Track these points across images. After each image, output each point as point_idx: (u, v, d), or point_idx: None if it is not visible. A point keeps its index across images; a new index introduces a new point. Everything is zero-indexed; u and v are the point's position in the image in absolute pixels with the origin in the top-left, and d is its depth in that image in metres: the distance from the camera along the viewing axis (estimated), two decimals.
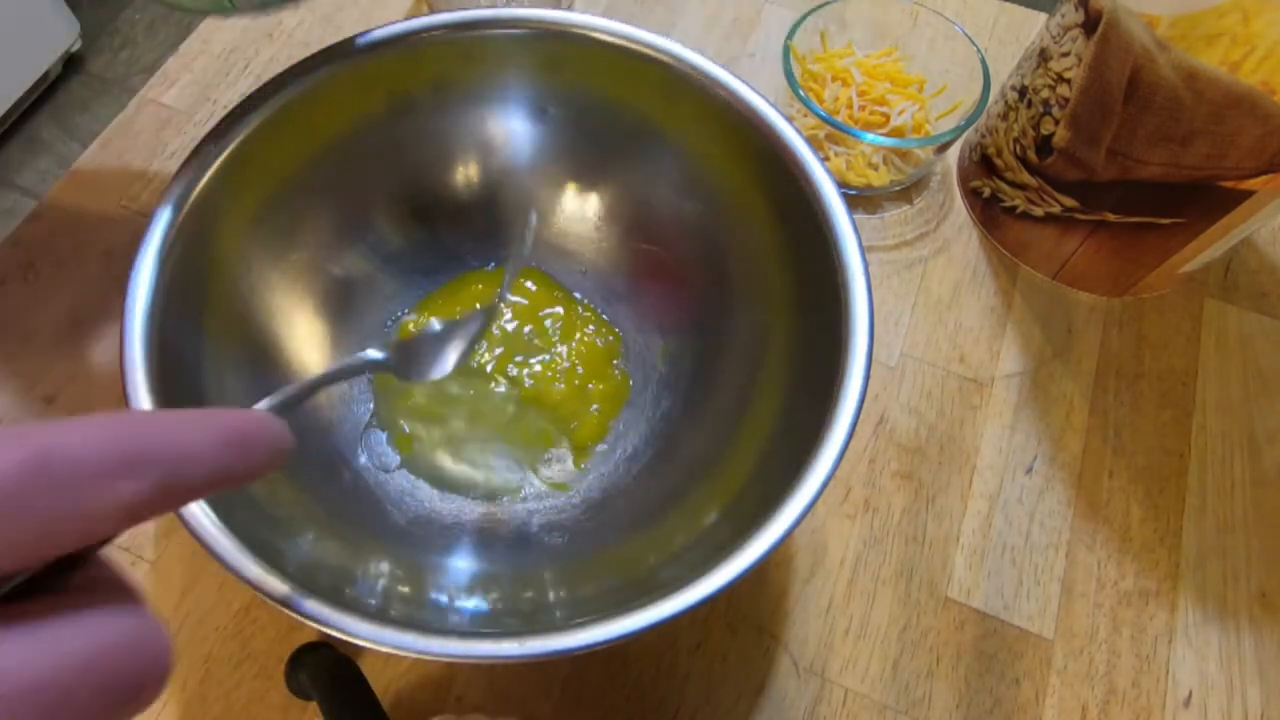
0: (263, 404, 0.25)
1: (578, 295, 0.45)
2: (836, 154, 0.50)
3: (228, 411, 0.17)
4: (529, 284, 0.45)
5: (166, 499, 0.14)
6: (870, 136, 0.46)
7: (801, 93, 0.47)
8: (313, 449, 0.39)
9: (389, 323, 0.44)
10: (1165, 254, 0.44)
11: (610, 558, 0.37)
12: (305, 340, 0.40)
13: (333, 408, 0.40)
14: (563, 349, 0.44)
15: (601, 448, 0.42)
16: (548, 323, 0.44)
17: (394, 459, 0.41)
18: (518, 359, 0.44)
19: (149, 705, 0.14)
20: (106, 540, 0.14)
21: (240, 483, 0.17)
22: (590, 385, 0.43)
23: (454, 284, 0.45)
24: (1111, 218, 0.44)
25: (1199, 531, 0.42)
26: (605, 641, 0.27)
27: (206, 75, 0.54)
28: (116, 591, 0.14)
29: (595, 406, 0.42)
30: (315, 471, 0.38)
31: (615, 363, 0.44)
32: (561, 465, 0.41)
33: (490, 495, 0.40)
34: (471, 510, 0.40)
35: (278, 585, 0.27)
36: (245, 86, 0.54)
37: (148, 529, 0.40)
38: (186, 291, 0.33)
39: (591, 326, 0.44)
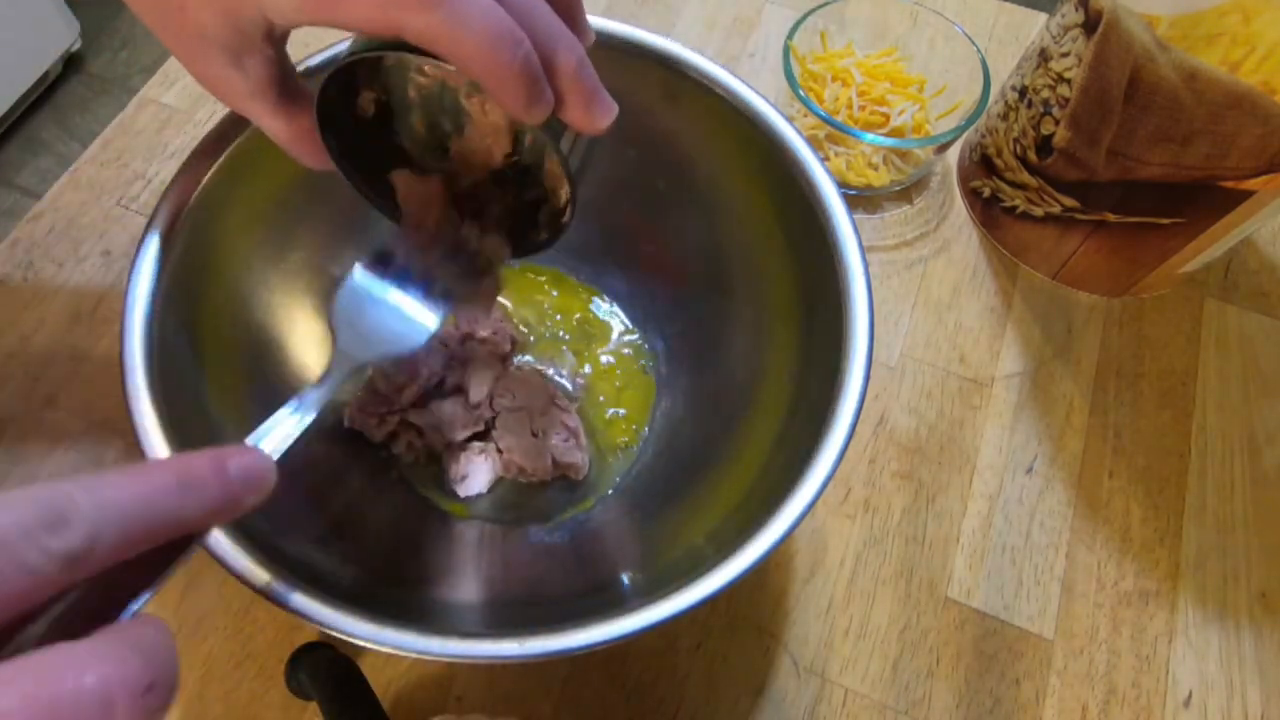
0: (252, 438, 0.25)
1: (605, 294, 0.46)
2: (836, 154, 0.50)
3: (180, 457, 0.19)
4: (549, 287, 0.46)
5: (110, 547, 0.16)
6: (870, 136, 0.46)
7: (801, 93, 0.47)
8: (320, 452, 0.39)
9: None
10: (1165, 254, 0.44)
11: (610, 557, 0.37)
12: (305, 340, 0.40)
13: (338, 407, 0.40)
14: (601, 357, 0.44)
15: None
16: (580, 335, 0.45)
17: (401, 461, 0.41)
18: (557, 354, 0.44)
19: None
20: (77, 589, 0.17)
21: (204, 519, 0.18)
22: (619, 384, 0.44)
23: None
24: (1111, 218, 0.44)
25: (1199, 531, 0.42)
26: (605, 641, 0.27)
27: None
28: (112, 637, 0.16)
29: (623, 410, 0.43)
30: (320, 473, 0.38)
31: (642, 362, 0.44)
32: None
33: (497, 501, 0.40)
34: (475, 511, 0.40)
35: (277, 585, 0.27)
36: None
37: None
38: (186, 291, 0.33)
39: (619, 326, 0.45)
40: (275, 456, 0.24)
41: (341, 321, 0.29)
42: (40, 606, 0.16)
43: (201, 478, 0.18)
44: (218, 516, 0.19)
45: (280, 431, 0.25)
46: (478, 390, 0.40)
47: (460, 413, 0.40)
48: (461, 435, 0.40)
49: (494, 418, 0.40)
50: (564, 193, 0.30)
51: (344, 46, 0.26)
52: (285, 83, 0.27)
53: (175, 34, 0.25)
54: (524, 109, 0.23)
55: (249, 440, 0.24)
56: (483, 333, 0.41)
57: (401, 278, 0.31)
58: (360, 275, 0.30)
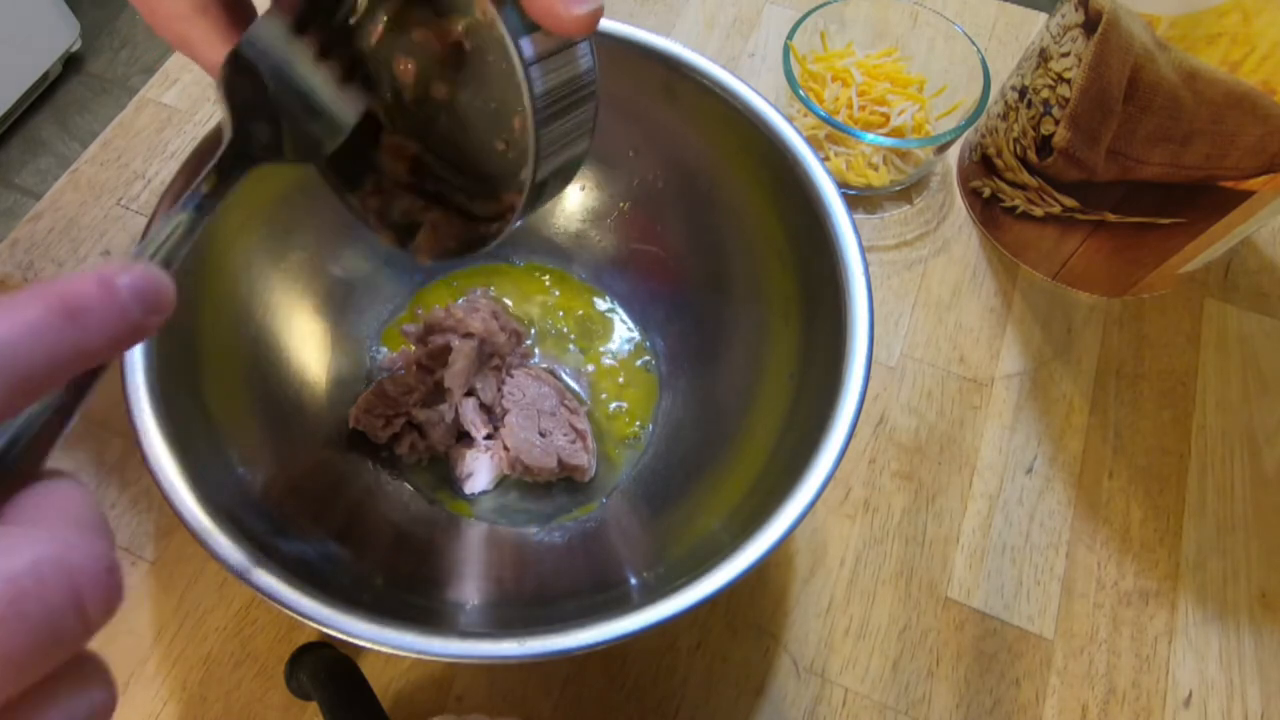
0: (138, 250, 0.21)
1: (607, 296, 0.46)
2: (836, 154, 0.50)
3: (59, 281, 0.16)
4: (551, 286, 0.46)
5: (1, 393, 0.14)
6: (870, 136, 0.46)
7: (801, 93, 0.47)
8: (322, 453, 0.39)
9: (387, 322, 0.44)
10: (1165, 254, 0.44)
11: (615, 557, 0.37)
12: (305, 339, 0.40)
13: (337, 407, 0.40)
14: (603, 358, 0.44)
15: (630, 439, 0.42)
16: (582, 332, 0.45)
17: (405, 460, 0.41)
18: (566, 352, 0.44)
19: (100, 621, 0.14)
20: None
21: (103, 350, 0.16)
22: (622, 379, 0.44)
23: (449, 278, 0.46)
24: (1111, 218, 0.44)
25: (1199, 531, 0.42)
26: (605, 641, 0.27)
27: (207, 75, 0.54)
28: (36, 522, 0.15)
29: (625, 403, 0.43)
30: (322, 474, 0.38)
31: (643, 361, 0.44)
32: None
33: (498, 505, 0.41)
34: (479, 512, 0.40)
35: (277, 585, 0.27)
36: None
37: (148, 529, 0.40)
38: (186, 291, 0.33)
39: (621, 326, 0.45)
40: (170, 269, 0.20)
41: (242, 91, 0.23)
42: None
43: (90, 303, 0.15)
44: (119, 344, 0.16)
45: (170, 241, 0.21)
46: (486, 389, 0.41)
47: (469, 412, 0.40)
48: (474, 433, 0.40)
49: (503, 415, 0.40)
50: (519, 125, 0.23)
51: None
52: (235, 6, 0.24)
53: None
54: None
55: (135, 252, 0.21)
56: (478, 326, 0.41)
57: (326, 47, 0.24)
58: (271, 27, 0.23)
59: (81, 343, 0.15)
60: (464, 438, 0.41)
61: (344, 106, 0.24)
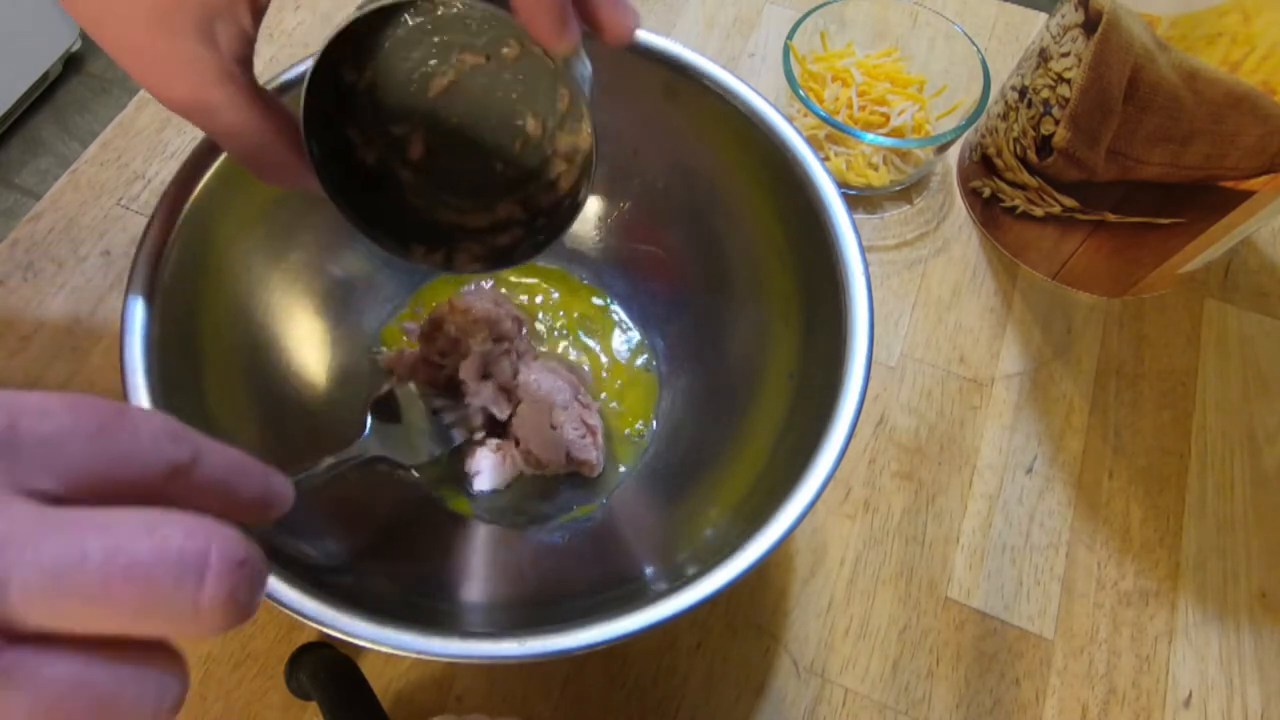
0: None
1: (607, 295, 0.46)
2: (836, 154, 0.50)
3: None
4: (551, 286, 0.46)
5: (206, 478, 0.17)
6: (870, 136, 0.46)
7: (801, 93, 0.47)
8: (321, 454, 0.39)
9: (386, 323, 0.44)
10: (1165, 254, 0.44)
11: (609, 557, 0.37)
12: (305, 339, 0.40)
13: (342, 406, 0.40)
14: (602, 358, 0.44)
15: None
16: (581, 332, 0.45)
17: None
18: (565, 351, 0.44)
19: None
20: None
21: (243, 506, 0.19)
22: (622, 380, 0.44)
23: (448, 278, 0.46)
24: (1111, 218, 0.44)
25: (1199, 531, 0.42)
26: (605, 641, 0.27)
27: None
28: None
29: (625, 403, 0.43)
30: (323, 474, 0.38)
31: (643, 360, 0.44)
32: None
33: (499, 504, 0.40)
34: (484, 510, 0.40)
35: (277, 584, 0.27)
36: None
37: None
38: (186, 292, 0.33)
39: (619, 326, 0.45)
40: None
41: (376, 422, 0.37)
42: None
43: (255, 473, 0.19)
44: (259, 513, 0.19)
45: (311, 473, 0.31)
46: (501, 373, 0.41)
47: (490, 395, 0.40)
48: (498, 415, 0.40)
49: (517, 405, 0.40)
50: (585, 132, 0.30)
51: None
52: (253, 72, 0.25)
53: (131, 9, 0.23)
54: (554, 33, 0.23)
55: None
56: (483, 312, 0.41)
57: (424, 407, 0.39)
58: (403, 393, 0.39)
59: (248, 492, 0.19)
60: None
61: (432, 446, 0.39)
